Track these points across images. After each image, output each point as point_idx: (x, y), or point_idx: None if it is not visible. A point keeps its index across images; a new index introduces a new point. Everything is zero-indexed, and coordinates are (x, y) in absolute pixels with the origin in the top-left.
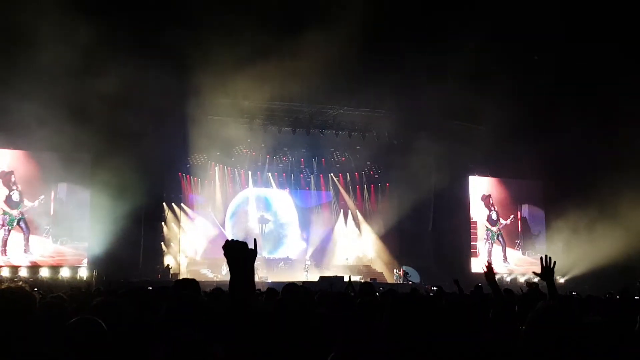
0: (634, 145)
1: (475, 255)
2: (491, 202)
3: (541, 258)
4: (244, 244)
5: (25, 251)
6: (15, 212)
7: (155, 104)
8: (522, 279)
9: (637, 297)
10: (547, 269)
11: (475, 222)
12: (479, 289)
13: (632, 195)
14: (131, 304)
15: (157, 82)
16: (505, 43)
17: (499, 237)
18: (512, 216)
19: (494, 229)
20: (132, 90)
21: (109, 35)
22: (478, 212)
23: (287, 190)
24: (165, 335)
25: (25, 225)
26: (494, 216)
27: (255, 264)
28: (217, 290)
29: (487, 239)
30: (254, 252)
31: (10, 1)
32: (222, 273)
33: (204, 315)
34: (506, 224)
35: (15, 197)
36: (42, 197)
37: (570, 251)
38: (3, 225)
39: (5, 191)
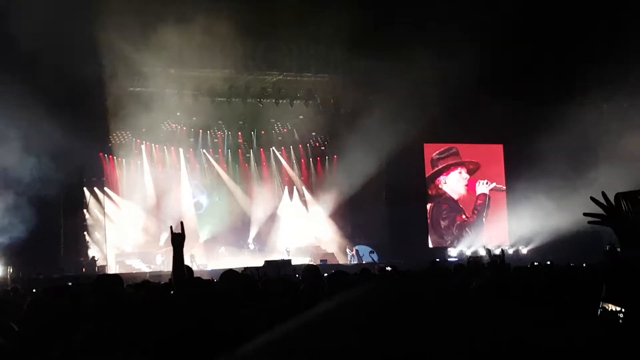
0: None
1: (433, 228)
2: (448, 169)
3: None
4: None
5: None
6: None
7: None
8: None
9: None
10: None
11: (431, 193)
12: (435, 264)
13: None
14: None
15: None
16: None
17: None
18: (470, 183)
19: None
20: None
21: None
22: (434, 181)
23: (225, 167)
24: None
25: None
26: (451, 185)
27: (193, 251)
28: (145, 282)
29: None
30: (181, 236)
31: None
32: (156, 263)
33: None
34: (464, 192)
35: None
36: None
37: (533, 219)
38: None
39: None
